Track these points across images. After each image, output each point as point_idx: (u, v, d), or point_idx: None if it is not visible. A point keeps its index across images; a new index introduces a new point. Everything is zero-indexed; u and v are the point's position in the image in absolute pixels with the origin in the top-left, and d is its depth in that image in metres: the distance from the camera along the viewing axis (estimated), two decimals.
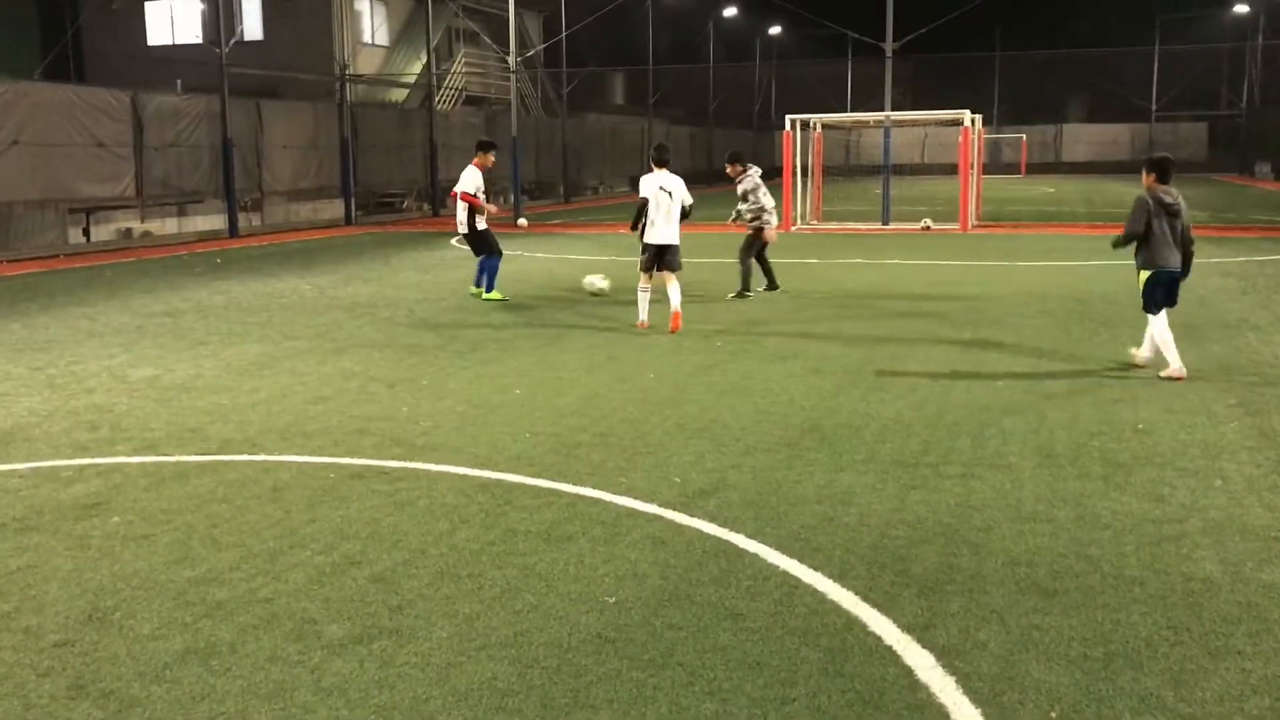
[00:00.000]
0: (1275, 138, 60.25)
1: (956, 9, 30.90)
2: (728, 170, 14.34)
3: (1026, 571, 4.87)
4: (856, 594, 4.62)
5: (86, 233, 23.92)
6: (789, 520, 5.55)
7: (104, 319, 12.93)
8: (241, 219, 26.74)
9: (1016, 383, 8.74)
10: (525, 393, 8.59)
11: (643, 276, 11.75)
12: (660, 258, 11.56)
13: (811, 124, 27.82)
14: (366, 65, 36.81)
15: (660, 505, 5.80)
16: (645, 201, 11.44)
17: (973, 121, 26.24)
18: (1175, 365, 8.81)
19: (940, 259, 18.85)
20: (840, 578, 4.80)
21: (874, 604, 4.52)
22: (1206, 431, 7.20)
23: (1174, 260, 8.74)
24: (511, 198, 33.13)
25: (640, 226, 11.56)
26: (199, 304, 14.16)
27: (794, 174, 26.36)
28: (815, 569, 4.90)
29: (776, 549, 5.14)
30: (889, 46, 27.22)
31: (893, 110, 28.21)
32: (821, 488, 6.08)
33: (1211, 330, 11.19)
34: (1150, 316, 8.97)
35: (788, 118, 26.17)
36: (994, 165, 67.23)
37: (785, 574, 4.85)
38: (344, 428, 7.57)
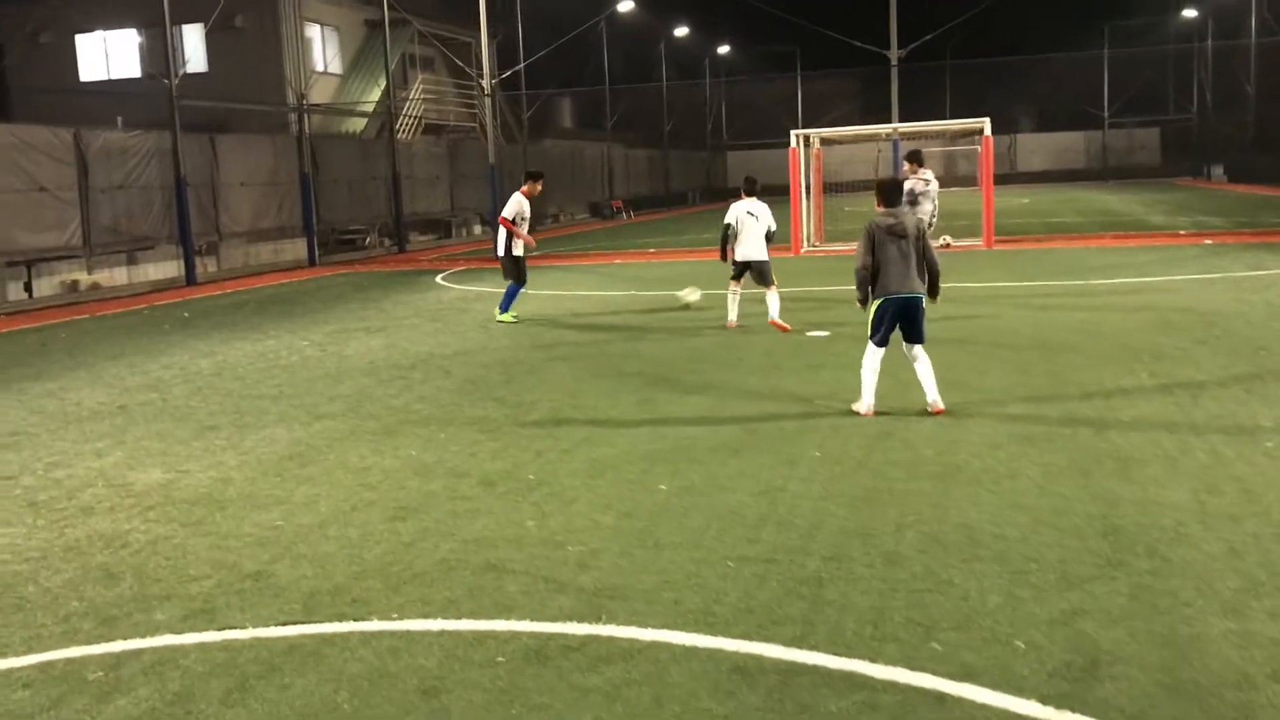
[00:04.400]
0: (1227, 140, 60.13)
1: (946, 19, 29.55)
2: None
3: None
4: None
5: (28, 287, 21.39)
6: None
7: (75, 397, 10.64)
8: (197, 265, 24.31)
9: None
10: (675, 489, 6.55)
11: (732, 283, 13.19)
12: (748, 270, 12.84)
13: (811, 140, 26.08)
14: (320, 95, 34.50)
15: (1040, 701, 3.80)
16: (728, 226, 12.85)
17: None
18: (867, 403, 8.22)
19: (1008, 279, 17.07)
20: None
21: None
22: None
23: (906, 285, 8.01)
24: (482, 228, 31.04)
25: (728, 248, 12.93)
26: (185, 372, 11.90)
27: (801, 193, 24.55)
28: None
29: None
30: (894, 54, 25.66)
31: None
32: (1240, 648, 4.13)
33: None
34: (870, 343, 8.17)
35: (793, 133, 24.40)
36: (949, 178, 66.13)
37: None
38: (467, 561, 5.48)
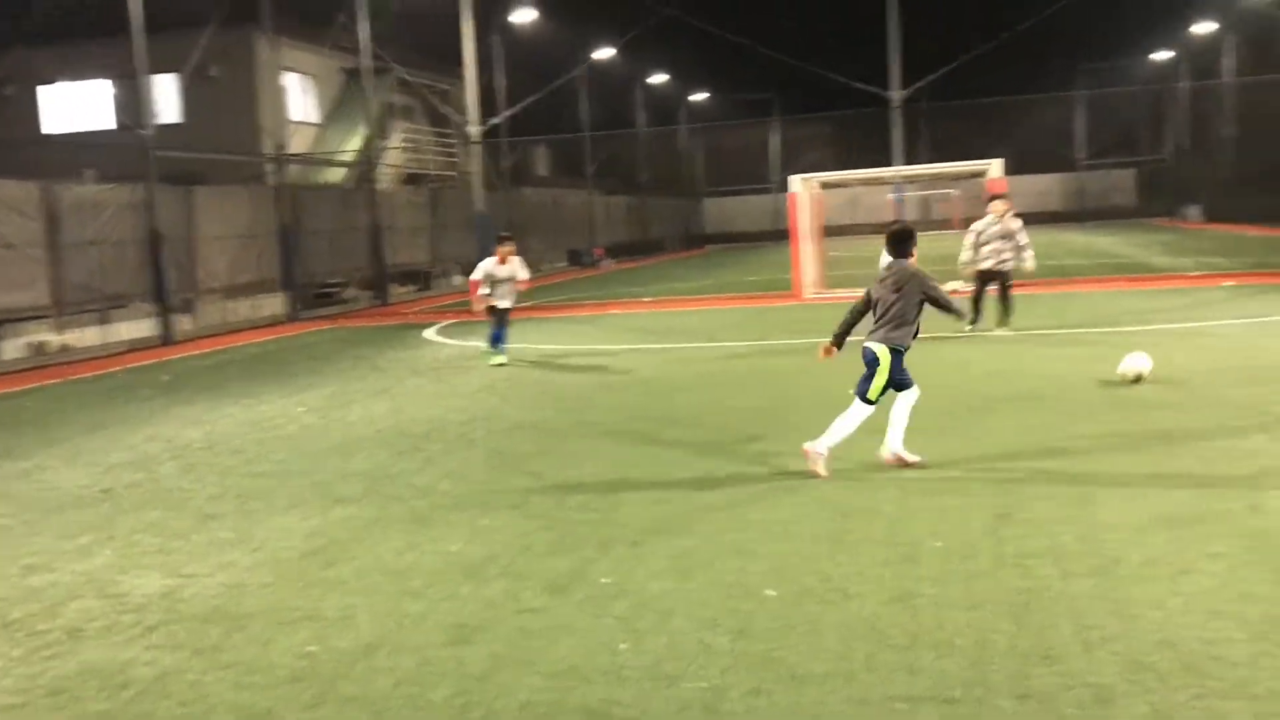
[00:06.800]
0: (1202, 181, 60.24)
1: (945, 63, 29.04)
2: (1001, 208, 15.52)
3: None
4: None
5: None
6: None
7: (52, 479, 9.46)
8: (173, 323, 23.06)
9: None
10: (787, 595, 5.49)
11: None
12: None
13: (809, 183, 25.25)
14: (298, 145, 33.50)
15: None
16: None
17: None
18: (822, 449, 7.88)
19: (1044, 325, 16.14)
20: None
21: None
22: None
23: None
24: (463, 279, 30.02)
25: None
26: (173, 445, 10.73)
27: (802, 239, 23.70)
28: None
29: None
30: (896, 95, 25.01)
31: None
32: None
33: None
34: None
35: (795, 178, 23.62)
36: (925, 222, 65.48)
37: None
38: (563, 705, 4.38)
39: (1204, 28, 52.59)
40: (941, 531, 6.37)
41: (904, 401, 7.94)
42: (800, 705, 4.27)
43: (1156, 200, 67.83)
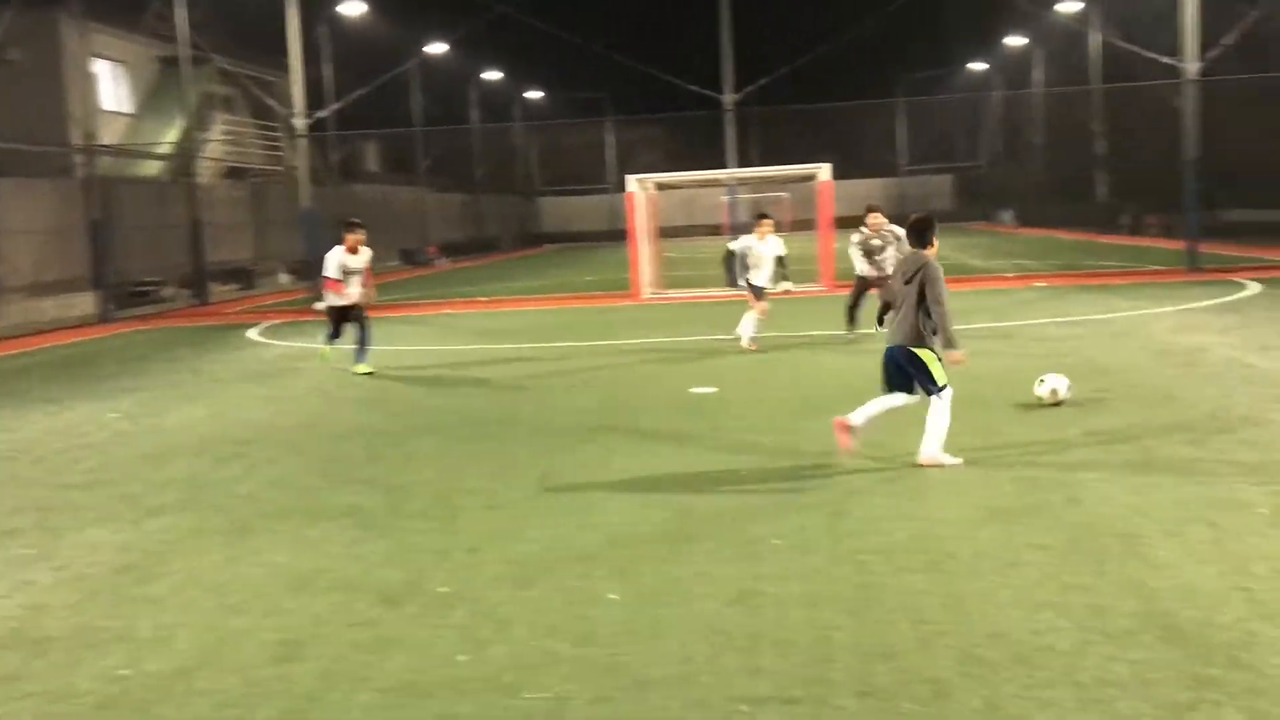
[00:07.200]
0: (1015, 187, 63.51)
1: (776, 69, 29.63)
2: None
3: None
4: None
5: None
6: None
7: None
8: None
9: None
10: (629, 598, 5.41)
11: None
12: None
13: (645, 184, 25.39)
14: (109, 136, 31.71)
15: None
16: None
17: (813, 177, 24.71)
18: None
19: (864, 325, 16.56)
20: None
21: None
22: None
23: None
24: (289, 277, 29.04)
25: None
26: None
27: (639, 239, 23.81)
28: None
29: None
30: (728, 98, 25.34)
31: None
32: None
33: None
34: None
35: (633, 179, 23.69)
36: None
37: None
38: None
39: (1016, 41, 55.40)
40: (781, 530, 6.40)
41: (899, 401, 7.85)
42: (643, 711, 4.19)
43: (973, 205, 71.05)
